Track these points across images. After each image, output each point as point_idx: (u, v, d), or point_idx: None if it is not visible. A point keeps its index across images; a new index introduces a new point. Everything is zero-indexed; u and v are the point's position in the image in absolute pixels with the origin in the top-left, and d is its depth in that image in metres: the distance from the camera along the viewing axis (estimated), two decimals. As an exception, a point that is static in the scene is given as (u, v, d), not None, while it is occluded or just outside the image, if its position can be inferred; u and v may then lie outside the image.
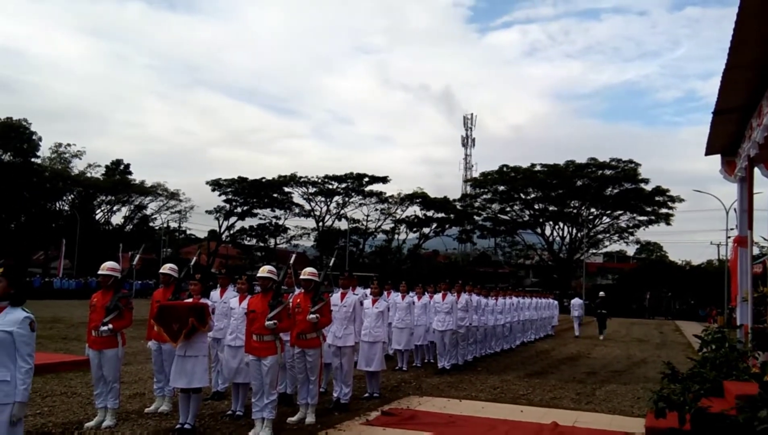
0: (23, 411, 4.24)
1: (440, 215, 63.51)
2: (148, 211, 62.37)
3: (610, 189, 59.03)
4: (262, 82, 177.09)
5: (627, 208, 59.45)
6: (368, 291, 10.64)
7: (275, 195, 62.40)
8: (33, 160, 53.08)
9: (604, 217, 61.70)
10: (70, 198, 57.46)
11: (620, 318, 40.30)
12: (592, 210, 61.25)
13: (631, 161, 57.93)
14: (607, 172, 58.41)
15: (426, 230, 64.68)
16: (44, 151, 55.03)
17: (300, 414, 7.62)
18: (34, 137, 52.26)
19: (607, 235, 62.76)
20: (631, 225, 60.99)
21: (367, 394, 9.40)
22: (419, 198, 62.24)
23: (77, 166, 58.15)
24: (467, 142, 71.13)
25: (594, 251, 65.75)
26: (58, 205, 57.06)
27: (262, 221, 64.33)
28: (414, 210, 63.44)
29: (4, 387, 4.13)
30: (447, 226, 64.55)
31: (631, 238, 62.50)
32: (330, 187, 62.23)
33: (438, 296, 12.99)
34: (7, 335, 4.19)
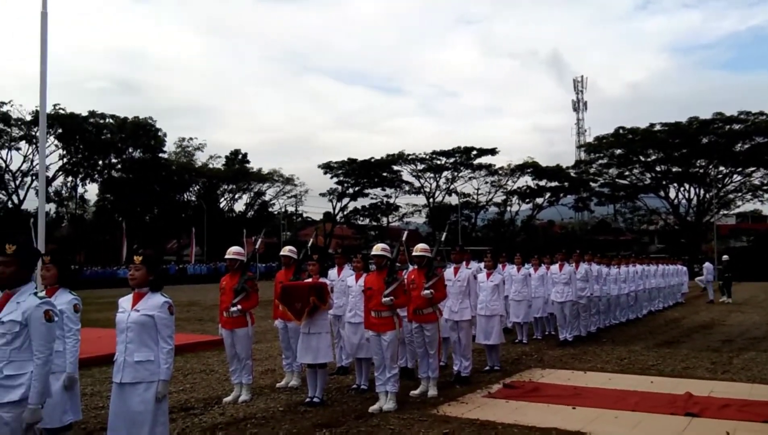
0: (167, 388, 4.59)
1: (554, 184, 61.66)
2: (267, 197, 65.15)
3: (739, 144, 54.55)
4: (368, 64, 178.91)
5: (760, 164, 54.79)
6: (482, 265, 10.56)
7: (384, 174, 63.07)
8: (160, 155, 56.81)
9: (735, 176, 57.18)
10: (195, 189, 61.09)
11: (759, 282, 37.50)
12: (721, 168, 56.95)
13: (762, 113, 53.21)
14: (736, 126, 53.96)
15: (539, 200, 63.09)
16: (169, 146, 58.82)
17: (422, 387, 7.75)
18: (159, 133, 55.90)
19: (739, 194, 58.18)
20: (765, 182, 56.24)
21: (487, 367, 9.38)
22: (530, 168, 60.70)
23: (200, 158, 61.72)
24: (579, 106, 68.38)
25: (725, 212, 61.21)
26: (185, 196, 60.83)
27: (374, 201, 65.36)
28: (525, 180, 62.02)
29: (149, 366, 4.50)
30: (561, 194, 62.58)
31: (766, 196, 57.67)
32: (438, 162, 62.05)
33: (555, 267, 12.69)
34: (149, 319, 4.55)
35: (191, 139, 61.24)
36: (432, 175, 63.23)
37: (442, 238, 9.32)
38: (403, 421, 6.47)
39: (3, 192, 48.83)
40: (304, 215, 70.56)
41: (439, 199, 64.31)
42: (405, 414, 6.72)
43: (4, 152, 47.84)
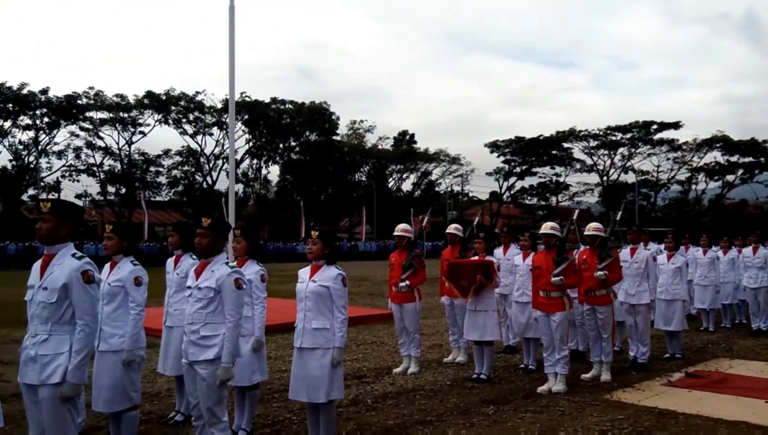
0: (341, 355, 4.83)
1: (747, 160, 55.75)
2: (433, 177, 65.77)
3: None
4: (537, 39, 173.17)
5: None
6: (662, 246, 9.86)
7: (554, 152, 60.91)
8: (333, 138, 59.55)
9: None
10: (366, 169, 63.32)
11: None
12: None
13: None
14: None
15: (730, 178, 57.44)
16: (342, 128, 61.40)
17: (594, 371, 7.45)
18: (333, 117, 58.56)
19: None
20: None
21: (667, 355, 8.78)
22: (720, 142, 55.32)
23: (370, 140, 63.73)
24: (779, 71, 60.68)
25: None
26: (356, 176, 63.29)
27: (542, 179, 63.44)
28: (714, 156, 56.71)
29: (325, 333, 4.76)
30: (757, 171, 56.38)
31: None
32: (613, 138, 58.60)
33: (748, 250, 11.52)
34: (325, 289, 4.81)
35: (362, 121, 63.44)
36: (606, 152, 59.98)
37: (617, 218, 8.83)
38: (574, 403, 6.28)
39: (199, 174, 54.10)
40: (470, 194, 70.35)
41: (614, 177, 60.93)
42: (576, 397, 6.51)
43: (199, 138, 52.94)
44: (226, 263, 4.31)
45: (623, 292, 8.13)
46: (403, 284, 7.56)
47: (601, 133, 58.55)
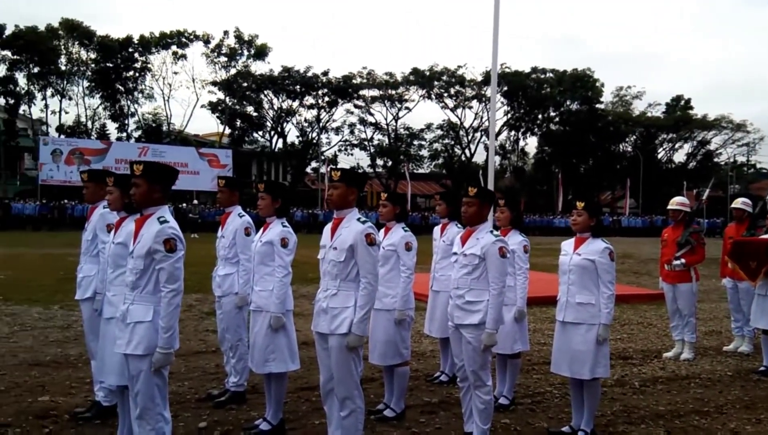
0: (608, 332, 4.62)
1: None
2: (712, 146, 59.10)
3: None
4: None
5: None
6: None
7: None
8: (596, 106, 56.58)
9: None
10: (632, 139, 59.20)
11: None
12: None
13: None
14: None
15: None
16: (606, 96, 58.00)
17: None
18: (597, 84, 55.58)
19: None
20: None
21: None
22: None
23: (638, 107, 59.26)
24: None
25: None
26: (621, 146, 59.53)
27: None
28: None
29: (590, 309, 4.60)
30: None
31: None
32: None
33: None
34: (591, 263, 4.63)
35: (629, 87, 59.20)
36: None
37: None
38: None
39: (458, 146, 55.65)
40: (758, 166, 61.87)
41: None
42: None
43: (459, 111, 54.30)
44: (491, 232, 4.38)
45: None
46: (677, 262, 6.98)
47: None
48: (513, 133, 57.20)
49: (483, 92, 51.45)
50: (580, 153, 55.52)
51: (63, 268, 14.10)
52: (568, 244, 4.86)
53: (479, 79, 51.65)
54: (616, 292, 4.68)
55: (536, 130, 57.33)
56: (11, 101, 41.82)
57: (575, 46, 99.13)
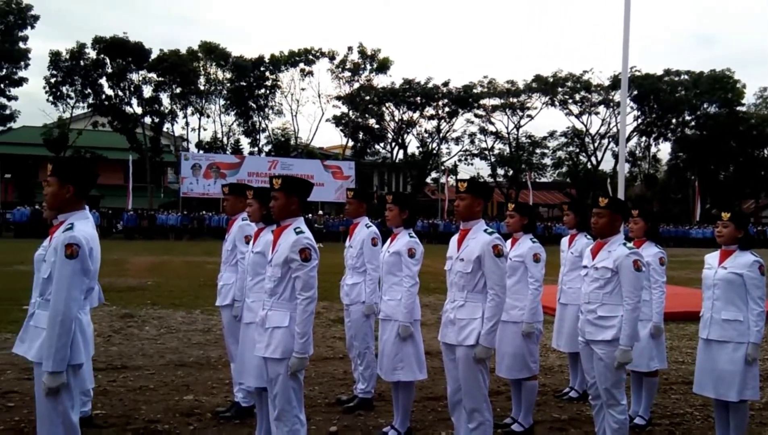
0: (757, 351, 4.29)
1: None
2: None
3: None
4: None
5: None
6: None
7: None
8: (738, 108, 52.59)
9: None
10: (779, 143, 54.40)
11: None
12: None
13: None
14: None
15: None
16: (749, 98, 53.77)
17: None
18: (738, 85, 51.68)
19: None
20: None
21: None
22: None
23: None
24: None
25: None
26: (765, 151, 54.88)
27: None
28: None
29: (737, 326, 4.29)
30: None
31: None
32: None
33: None
34: (738, 277, 4.32)
35: (774, 87, 54.47)
36: None
37: None
38: None
39: (583, 154, 53.63)
40: None
41: None
42: None
43: (584, 117, 52.36)
44: (624, 244, 4.20)
45: None
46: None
47: None
48: (644, 138, 54.36)
49: (611, 97, 49.38)
50: (719, 159, 51.76)
51: (203, 274, 15.12)
52: (712, 257, 4.57)
53: (606, 83, 49.65)
54: (767, 309, 4.34)
55: (669, 135, 54.15)
56: (156, 120, 45.35)
57: (709, 45, 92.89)
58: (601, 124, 52.22)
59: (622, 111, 11.68)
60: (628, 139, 51.72)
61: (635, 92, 49.19)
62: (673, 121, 53.21)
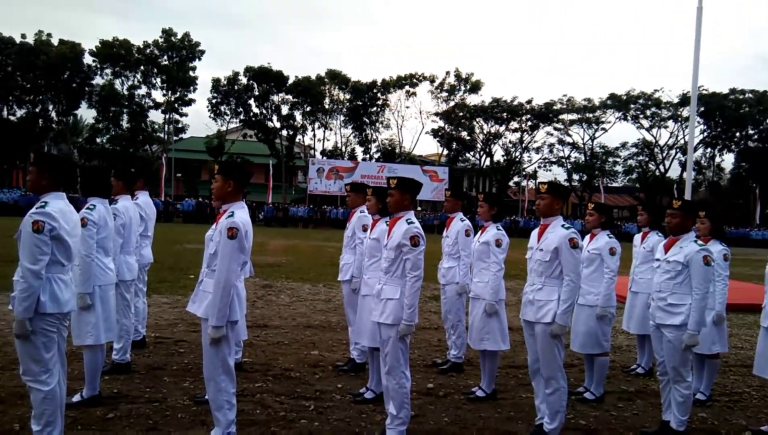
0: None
1: None
2: None
3: None
4: None
5: None
6: None
7: None
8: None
9: None
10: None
11: None
12: None
13: None
14: None
15: None
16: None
17: None
18: (803, 102, 46.61)
19: None
20: None
21: None
22: None
23: None
24: None
25: None
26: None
27: None
28: None
29: None
30: None
31: None
32: None
33: None
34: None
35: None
36: None
37: None
38: None
39: (652, 163, 50.37)
40: None
41: None
42: None
43: (654, 130, 49.14)
44: (695, 241, 3.94)
45: None
46: None
47: None
48: (709, 149, 50.30)
49: (679, 113, 46.04)
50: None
51: (325, 255, 15.57)
52: (775, 255, 4.19)
53: (675, 101, 46.32)
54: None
55: (733, 147, 49.77)
56: (291, 132, 47.11)
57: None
58: (669, 137, 48.87)
59: (691, 124, 10.88)
60: (695, 149, 48.07)
61: (702, 108, 45.58)
62: (737, 134, 48.87)
